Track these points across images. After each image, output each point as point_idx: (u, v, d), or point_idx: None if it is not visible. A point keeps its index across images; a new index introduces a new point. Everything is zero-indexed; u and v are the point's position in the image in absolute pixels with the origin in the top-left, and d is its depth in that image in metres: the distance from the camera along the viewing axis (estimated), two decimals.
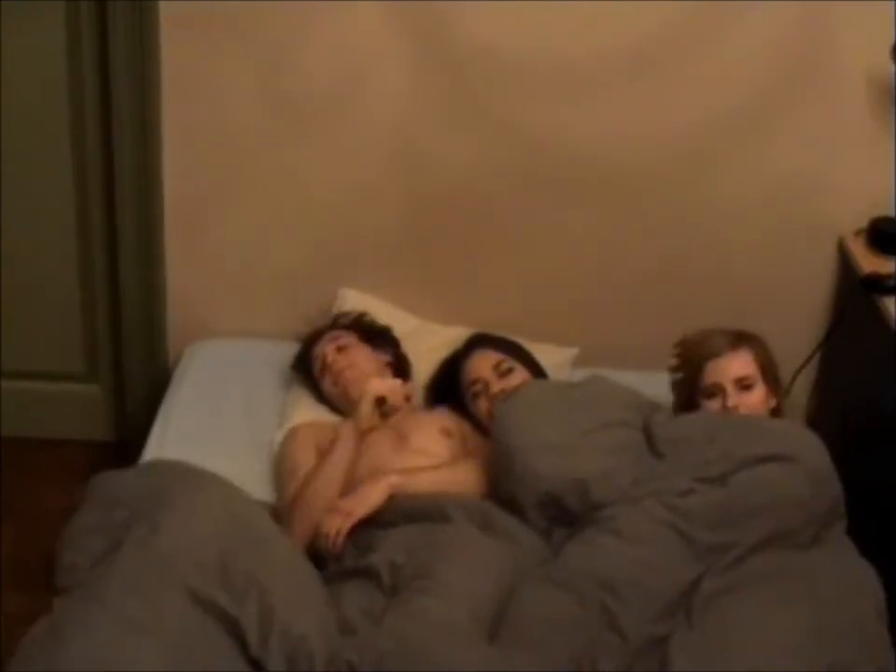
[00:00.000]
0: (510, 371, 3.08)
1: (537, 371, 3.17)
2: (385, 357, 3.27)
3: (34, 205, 3.56)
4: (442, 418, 3.09)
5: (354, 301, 3.50)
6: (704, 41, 3.23)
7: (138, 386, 3.64)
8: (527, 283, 3.53)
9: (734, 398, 2.87)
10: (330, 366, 3.17)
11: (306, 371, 3.28)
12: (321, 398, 3.26)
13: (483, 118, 3.35)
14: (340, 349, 3.20)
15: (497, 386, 3.04)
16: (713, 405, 2.91)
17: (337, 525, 2.67)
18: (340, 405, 3.20)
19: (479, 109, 3.34)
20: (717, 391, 2.90)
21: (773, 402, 2.93)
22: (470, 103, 3.34)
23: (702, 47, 3.23)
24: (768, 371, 2.93)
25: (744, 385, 2.90)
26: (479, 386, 3.08)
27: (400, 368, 3.30)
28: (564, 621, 2.38)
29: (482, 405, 3.06)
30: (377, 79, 3.31)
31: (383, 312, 3.45)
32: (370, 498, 2.72)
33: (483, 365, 3.10)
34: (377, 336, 3.31)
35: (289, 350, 3.43)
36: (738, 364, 2.92)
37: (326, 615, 2.37)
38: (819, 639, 2.36)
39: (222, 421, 3.21)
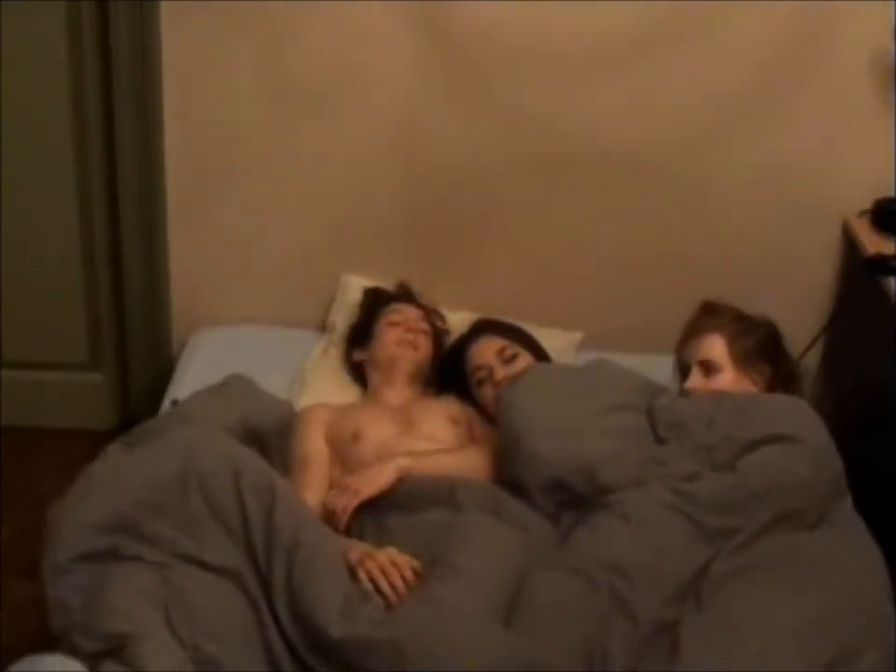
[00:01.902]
0: (514, 357, 3.08)
1: (541, 356, 3.17)
2: (433, 366, 3.26)
3: (35, 194, 3.55)
4: (450, 405, 3.09)
5: (357, 287, 3.49)
6: (706, 22, 3.22)
7: (142, 375, 3.65)
8: (531, 266, 3.53)
9: (694, 380, 2.89)
10: (410, 328, 3.19)
11: (372, 308, 3.31)
12: (349, 346, 3.31)
13: (485, 101, 3.35)
14: (423, 331, 3.22)
15: (501, 373, 3.04)
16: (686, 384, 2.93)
17: (343, 503, 2.67)
18: (376, 362, 3.20)
19: (481, 93, 3.34)
20: (687, 371, 2.92)
21: (753, 391, 2.90)
22: (472, 86, 3.34)
23: (704, 28, 3.23)
24: (742, 358, 2.90)
25: (708, 368, 2.89)
26: (483, 373, 3.07)
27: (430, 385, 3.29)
28: (575, 605, 2.38)
29: (486, 392, 3.05)
30: (378, 65, 3.31)
31: None
32: (378, 479, 2.72)
33: (487, 351, 3.09)
34: (440, 352, 3.29)
35: (294, 337, 3.48)
36: (705, 347, 2.91)
37: (346, 586, 2.38)
38: (827, 622, 2.35)
39: None
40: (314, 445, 2.96)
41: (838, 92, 3.29)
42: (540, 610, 2.38)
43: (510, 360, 3.07)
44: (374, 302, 3.34)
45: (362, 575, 2.43)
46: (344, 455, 2.91)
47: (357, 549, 2.52)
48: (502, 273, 3.52)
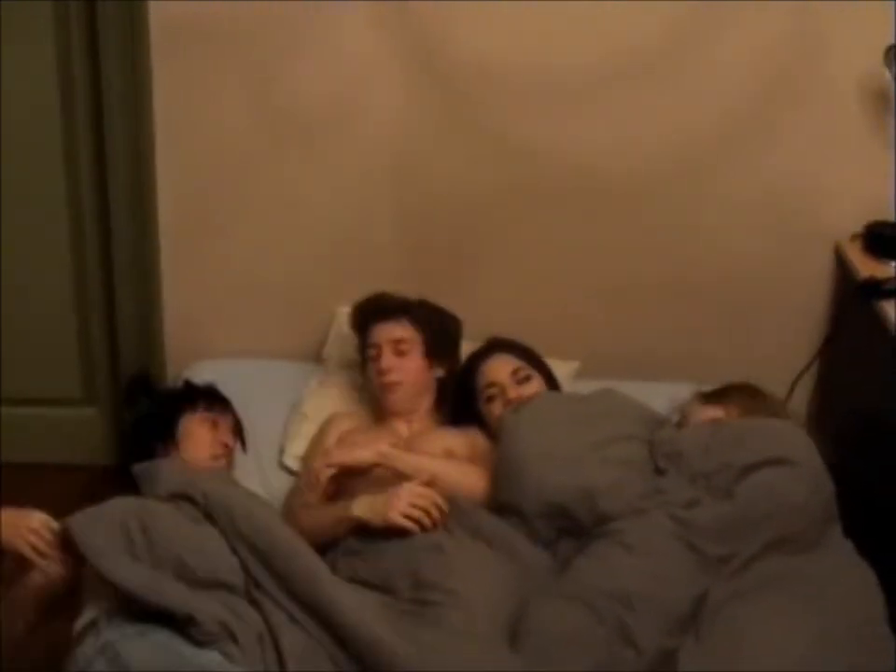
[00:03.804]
0: (527, 378, 3.06)
1: (552, 380, 3.16)
2: (440, 372, 3.18)
3: (27, 227, 3.54)
4: (451, 438, 3.06)
5: None
6: (696, 49, 3.23)
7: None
8: (525, 295, 3.52)
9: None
10: (382, 370, 3.10)
11: (360, 333, 3.23)
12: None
13: (477, 131, 3.35)
14: (399, 352, 3.12)
15: (513, 393, 3.02)
16: None
17: (315, 468, 2.84)
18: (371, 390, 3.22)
19: (472, 122, 3.35)
20: None
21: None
22: (463, 116, 3.34)
23: (694, 55, 3.24)
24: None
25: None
26: (495, 390, 3.05)
27: (444, 390, 3.21)
28: (580, 634, 2.39)
29: (495, 409, 3.04)
30: (369, 96, 3.31)
31: None
32: (355, 452, 2.82)
33: (501, 370, 3.07)
34: (441, 349, 3.19)
35: (290, 369, 3.48)
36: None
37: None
38: (826, 645, 2.38)
39: None
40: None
41: (829, 117, 3.30)
42: (548, 639, 2.39)
43: (523, 381, 3.05)
44: (360, 328, 3.24)
45: (399, 519, 2.59)
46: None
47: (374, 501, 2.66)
48: (498, 302, 3.51)
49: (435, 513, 2.61)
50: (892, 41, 3.08)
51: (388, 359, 3.09)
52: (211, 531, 2.53)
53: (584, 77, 3.26)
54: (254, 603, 2.44)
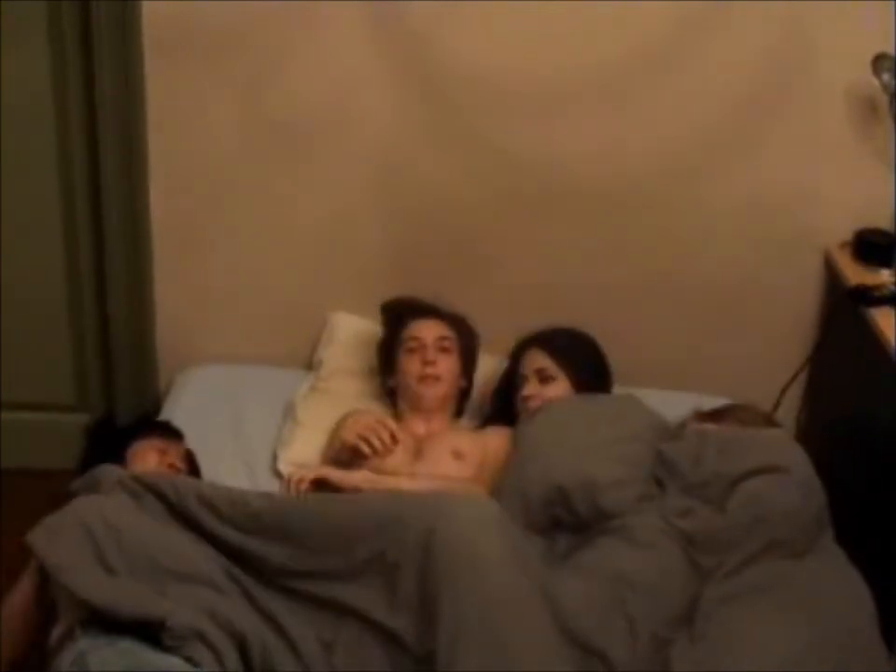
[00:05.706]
0: (551, 379, 3.09)
1: (581, 385, 3.13)
2: (464, 382, 3.26)
3: (20, 232, 3.53)
4: (461, 439, 3.08)
5: (344, 324, 3.51)
6: (686, 56, 3.25)
7: (129, 415, 3.62)
8: (514, 301, 3.52)
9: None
10: (428, 361, 3.15)
11: (394, 327, 3.26)
12: (381, 371, 3.32)
13: (466, 138, 3.37)
14: (443, 349, 3.18)
15: (532, 390, 3.08)
16: None
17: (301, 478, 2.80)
18: (402, 393, 3.21)
19: (461, 130, 3.36)
20: None
21: None
22: (453, 123, 3.36)
23: (684, 62, 3.25)
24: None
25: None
26: (523, 381, 3.13)
27: (462, 400, 3.29)
28: (576, 603, 2.41)
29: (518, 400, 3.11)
30: (360, 104, 3.32)
31: (373, 334, 3.42)
32: (347, 476, 2.81)
33: (532, 364, 3.13)
34: (471, 359, 3.28)
35: (281, 375, 3.48)
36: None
37: None
38: (818, 649, 2.40)
39: (214, 447, 3.20)
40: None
41: (818, 124, 3.32)
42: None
43: (545, 381, 3.09)
44: (393, 322, 3.29)
45: (355, 440, 2.85)
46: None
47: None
48: (487, 307, 3.48)
49: (385, 437, 2.87)
50: (880, 50, 3.10)
51: (434, 354, 3.15)
52: (178, 531, 2.52)
53: (572, 85, 3.27)
54: (251, 599, 2.43)
